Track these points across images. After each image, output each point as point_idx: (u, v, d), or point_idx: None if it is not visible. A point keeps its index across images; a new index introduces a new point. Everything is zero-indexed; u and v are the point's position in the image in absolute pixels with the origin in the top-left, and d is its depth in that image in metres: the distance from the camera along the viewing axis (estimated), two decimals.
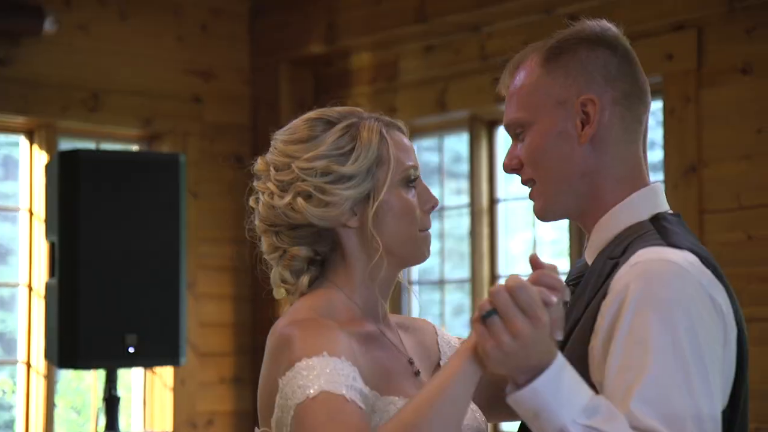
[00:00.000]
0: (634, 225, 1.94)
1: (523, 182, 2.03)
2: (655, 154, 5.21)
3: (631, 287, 1.78)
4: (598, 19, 2.03)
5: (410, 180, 2.02)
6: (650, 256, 1.83)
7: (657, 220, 1.95)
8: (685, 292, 1.79)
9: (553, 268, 1.74)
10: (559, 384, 1.71)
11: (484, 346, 1.69)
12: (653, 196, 1.99)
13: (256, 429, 2.00)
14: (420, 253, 2.04)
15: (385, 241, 1.98)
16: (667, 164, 4.88)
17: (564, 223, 5.23)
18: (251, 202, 2.07)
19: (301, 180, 1.95)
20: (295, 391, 1.79)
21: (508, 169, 2.03)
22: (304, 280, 2.02)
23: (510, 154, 2.03)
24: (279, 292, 2.07)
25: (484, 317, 1.68)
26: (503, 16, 5.44)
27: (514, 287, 1.66)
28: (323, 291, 2.01)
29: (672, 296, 1.78)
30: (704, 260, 1.85)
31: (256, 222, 2.05)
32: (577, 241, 5.19)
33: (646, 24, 4.95)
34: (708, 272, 1.83)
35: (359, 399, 1.80)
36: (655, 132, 5.20)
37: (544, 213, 2.03)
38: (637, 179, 1.99)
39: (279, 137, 2.03)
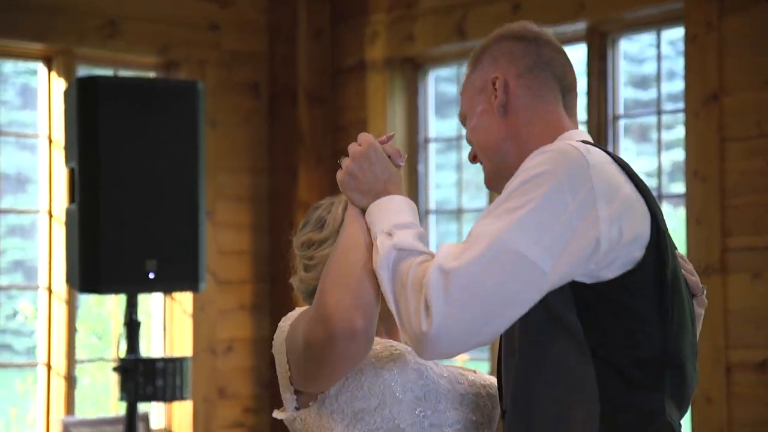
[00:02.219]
0: None
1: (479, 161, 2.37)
2: (676, 84, 5.21)
3: (528, 162, 2.08)
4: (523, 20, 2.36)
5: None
6: (557, 143, 2.13)
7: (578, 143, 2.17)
8: (563, 163, 2.02)
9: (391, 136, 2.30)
10: (386, 206, 2.15)
11: (338, 178, 2.21)
12: (578, 134, 2.25)
13: None
14: None
15: None
16: (688, 93, 4.88)
17: None
18: None
19: (300, 257, 2.44)
20: (281, 332, 2.29)
21: (471, 159, 2.36)
22: None
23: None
24: None
25: (338, 162, 2.22)
26: None
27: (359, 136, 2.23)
28: None
29: (541, 166, 2.03)
30: (613, 156, 2.11)
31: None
32: None
33: None
34: (606, 158, 2.07)
35: None
36: (675, 61, 5.20)
37: (490, 184, 2.32)
38: (558, 129, 2.25)
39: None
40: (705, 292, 2.29)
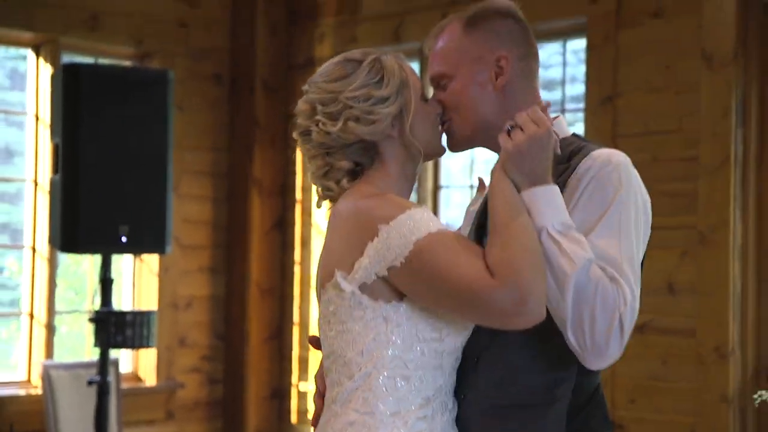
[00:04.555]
0: (562, 140, 2.11)
1: (444, 121, 2.19)
2: (577, 87, 5.22)
3: (597, 170, 2.01)
4: None
5: (424, 95, 2.16)
6: (608, 151, 2.05)
7: (576, 136, 2.17)
8: (633, 182, 2.02)
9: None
10: (552, 199, 1.95)
11: (506, 148, 1.97)
12: (562, 122, 2.18)
13: (338, 273, 2.04)
14: (441, 148, 2.22)
15: (420, 143, 2.13)
16: (588, 95, 4.92)
17: None
18: (294, 136, 2.18)
19: (349, 108, 2.07)
20: (413, 231, 1.94)
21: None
22: (344, 182, 2.13)
23: (433, 100, 2.19)
24: (320, 203, 2.21)
25: (508, 130, 1.98)
26: None
27: (529, 109, 1.98)
28: (365, 185, 2.11)
29: (626, 183, 2.00)
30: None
31: (304, 147, 2.16)
32: None
33: None
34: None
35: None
36: (577, 68, 5.21)
37: (460, 145, 2.21)
38: None
39: (318, 80, 2.13)
40: None
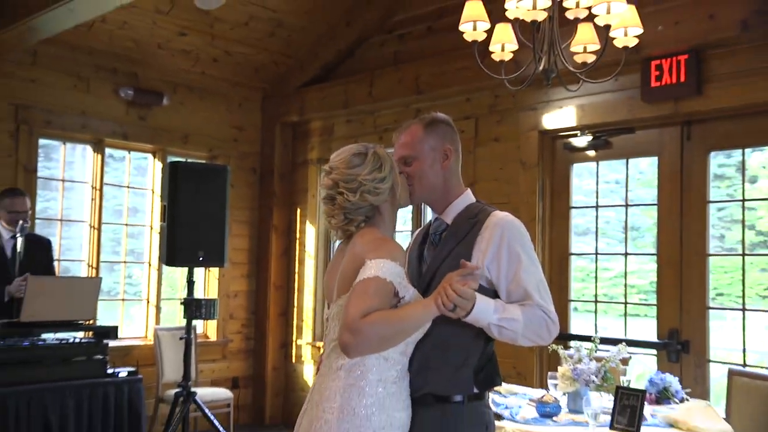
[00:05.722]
0: (472, 204, 2.01)
1: (409, 184, 2.03)
2: None
3: (505, 233, 1.85)
4: (437, 111, 2.14)
5: (400, 172, 1.98)
6: (503, 215, 1.91)
7: (479, 202, 2.03)
8: (526, 233, 1.89)
9: (475, 267, 1.76)
10: (484, 307, 1.76)
11: (450, 316, 1.73)
12: (470, 193, 2.07)
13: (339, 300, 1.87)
14: (410, 201, 2.00)
15: (402, 202, 1.97)
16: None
17: (409, 208, 5.27)
18: (321, 199, 1.97)
19: (363, 185, 1.87)
20: (375, 269, 1.74)
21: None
22: (362, 226, 1.90)
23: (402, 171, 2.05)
24: (338, 238, 1.97)
25: (450, 310, 1.72)
26: (386, 108, 5.43)
27: (460, 290, 1.70)
28: (375, 228, 1.91)
29: (524, 236, 1.87)
30: None
31: (327, 207, 1.92)
32: (416, 215, 5.24)
33: (450, 115, 4.95)
34: None
35: (398, 286, 1.78)
36: None
37: (416, 201, 2.03)
38: (462, 185, 2.06)
39: (339, 166, 1.91)
40: None
